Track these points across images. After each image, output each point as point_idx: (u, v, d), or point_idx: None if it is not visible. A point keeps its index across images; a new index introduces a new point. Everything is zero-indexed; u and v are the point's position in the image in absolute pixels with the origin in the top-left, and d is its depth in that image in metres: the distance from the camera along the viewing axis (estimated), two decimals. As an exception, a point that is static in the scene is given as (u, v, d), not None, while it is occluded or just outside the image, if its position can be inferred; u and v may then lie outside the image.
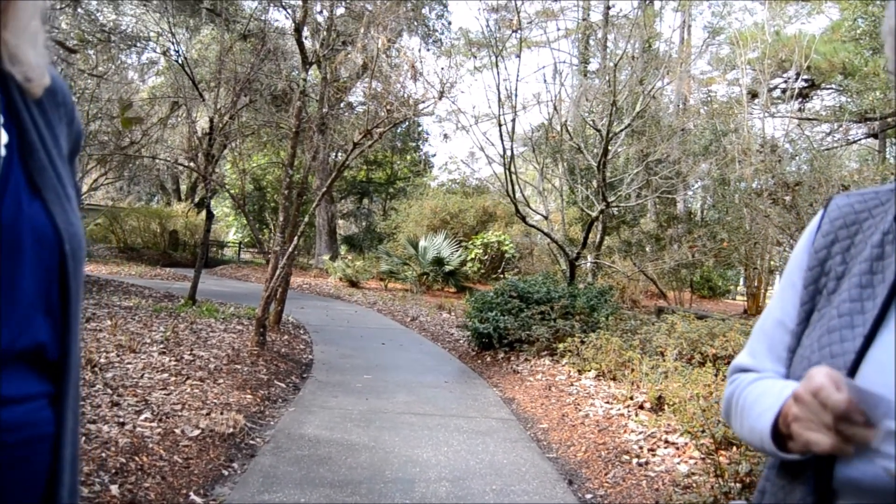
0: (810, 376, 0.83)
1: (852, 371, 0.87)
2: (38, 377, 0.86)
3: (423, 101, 8.18)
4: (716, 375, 5.10)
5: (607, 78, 12.56)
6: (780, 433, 0.92)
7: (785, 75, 20.22)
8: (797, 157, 14.45)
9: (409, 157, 30.09)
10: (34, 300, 0.84)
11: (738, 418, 1.06)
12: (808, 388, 0.83)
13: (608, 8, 20.82)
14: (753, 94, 18.96)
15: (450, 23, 37.31)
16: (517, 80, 12.80)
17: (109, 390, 4.79)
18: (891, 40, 0.96)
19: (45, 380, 0.87)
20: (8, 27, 0.83)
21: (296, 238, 8.12)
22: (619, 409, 5.51)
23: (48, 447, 0.87)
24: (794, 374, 1.00)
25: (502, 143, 11.17)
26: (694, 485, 3.83)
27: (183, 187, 30.33)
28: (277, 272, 7.75)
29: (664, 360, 5.94)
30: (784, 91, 20.65)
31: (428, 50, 21.33)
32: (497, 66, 11.24)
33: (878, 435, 0.77)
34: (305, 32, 8.40)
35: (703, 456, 4.11)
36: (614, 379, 6.38)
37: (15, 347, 0.82)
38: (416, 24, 17.99)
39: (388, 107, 7.81)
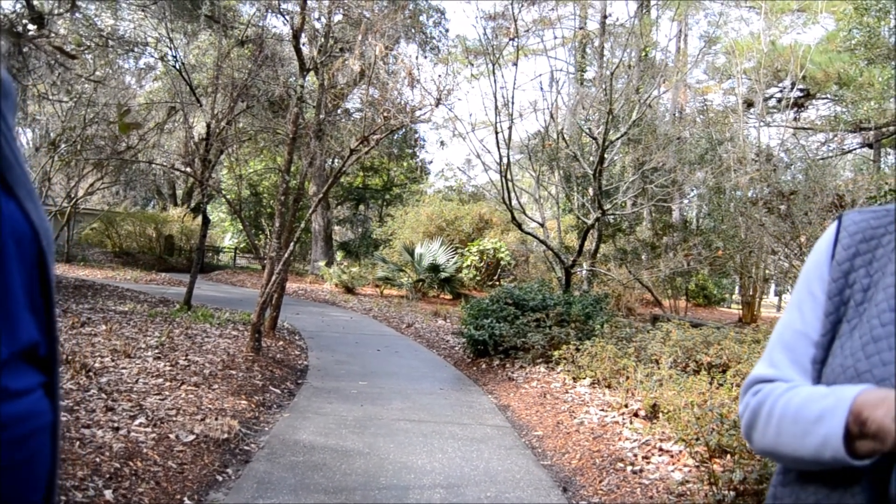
0: None
1: None
2: (33, 370, 0.87)
3: (420, 109, 8.20)
4: (710, 383, 5.11)
5: (604, 86, 12.62)
6: (850, 435, 0.89)
7: (780, 85, 20.34)
8: (792, 167, 14.49)
9: (405, 164, 30.12)
10: (23, 299, 0.84)
11: (772, 427, 1.01)
12: None
13: (605, 17, 20.87)
14: (749, 104, 19.05)
15: (447, 30, 37.45)
16: (514, 88, 12.92)
17: (104, 395, 4.78)
18: None
19: (38, 371, 0.89)
20: None
21: (292, 244, 8.11)
22: (614, 417, 5.52)
23: (49, 436, 0.89)
24: (832, 382, 0.99)
25: (499, 151, 11.22)
26: (688, 492, 3.84)
27: (179, 192, 30.31)
28: (273, 278, 7.75)
29: (659, 368, 5.95)
30: (780, 101, 20.77)
31: (425, 57, 21.33)
32: (494, 73, 11.30)
33: None
34: (303, 39, 8.43)
35: (697, 464, 4.12)
36: (609, 386, 6.39)
37: (17, 348, 0.83)
38: (413, 31, 18.03)
39: (385, 114, 7.83)
